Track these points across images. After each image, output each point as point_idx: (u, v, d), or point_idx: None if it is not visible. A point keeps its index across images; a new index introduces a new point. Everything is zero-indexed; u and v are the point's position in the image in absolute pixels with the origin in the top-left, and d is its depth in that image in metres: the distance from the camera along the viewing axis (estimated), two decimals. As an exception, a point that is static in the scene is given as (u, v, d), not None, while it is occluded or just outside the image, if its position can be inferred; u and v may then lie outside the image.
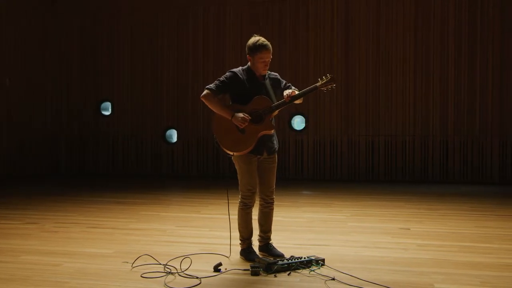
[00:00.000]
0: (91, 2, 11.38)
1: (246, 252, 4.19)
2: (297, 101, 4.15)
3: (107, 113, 11.44)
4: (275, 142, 4.25)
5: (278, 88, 4.21)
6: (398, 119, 9.87)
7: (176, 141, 11.03)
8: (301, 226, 5.61)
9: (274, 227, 5.41)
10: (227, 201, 4.44)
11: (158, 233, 5.29)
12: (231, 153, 4.05)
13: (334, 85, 4.10)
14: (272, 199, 4.26)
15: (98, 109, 11.44)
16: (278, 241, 4.79)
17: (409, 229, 5.42)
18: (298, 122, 10.37)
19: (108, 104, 11.43)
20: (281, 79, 4.29)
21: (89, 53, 11.40)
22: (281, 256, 4.14)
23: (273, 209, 4.30)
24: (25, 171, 10.80)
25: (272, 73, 4.28)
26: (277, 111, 4.08)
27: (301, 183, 9.62)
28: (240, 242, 4.26)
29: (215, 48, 10.69)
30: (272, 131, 4.10)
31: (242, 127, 3.97)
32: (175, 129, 11.06)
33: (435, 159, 9.72)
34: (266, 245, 4.29)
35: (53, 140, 11.56)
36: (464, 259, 4.19)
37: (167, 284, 3.52)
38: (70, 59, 11.52)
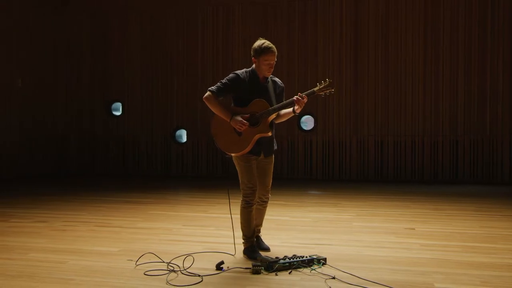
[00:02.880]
0: (101, 3, 11.51)
1: (249, 251, 4.25)
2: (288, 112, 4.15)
3: (117, 113, 11.56)
4: (274, 144, 4.36)
5: (280, 94, 4.29)
6: (407, 119, 9.86)
7: (186, 141, 11.12)
8: (306, 225, 5.64)
9: (279, 226, 5.48)
10: (228, 200, 4.54)
11: (165, 231, 5.35)
12: (229, 154, 4.16)
13: (332, 90, 4.11)
14: (268, 197, 4.41)
15: (108, 109, 11.56)
16: (282, 240, 4.85)
17: (413, 229, 5.42)
18: (308, 119, 10.39)
19: (118, 105, 11.56)
20: (283, 87, 4.37)
21: (100, 54, 11.53)
22: (267, 249, 4.39)
23: (267, 206, 4.46)
24: (36, 170, 10.97)
25: (277, 78, 4.38)
26: (274, 114, 4.14)
27: (310, 183, 9.63)
28: (243, 241, 4.32)
29: (224, 47, 10.75)
30: (270, 133, 4.13)
31: (240, 131, 4.06)
32: (184, 129, 11.15)
33: (445, 159, 9.68)
34: (256, 237, 4.46)
35: (64, 140, 11.71)
36: (467, 259, 4.20)
37: (169, 282, 3.58)
38: (81, 59, 11.66)
